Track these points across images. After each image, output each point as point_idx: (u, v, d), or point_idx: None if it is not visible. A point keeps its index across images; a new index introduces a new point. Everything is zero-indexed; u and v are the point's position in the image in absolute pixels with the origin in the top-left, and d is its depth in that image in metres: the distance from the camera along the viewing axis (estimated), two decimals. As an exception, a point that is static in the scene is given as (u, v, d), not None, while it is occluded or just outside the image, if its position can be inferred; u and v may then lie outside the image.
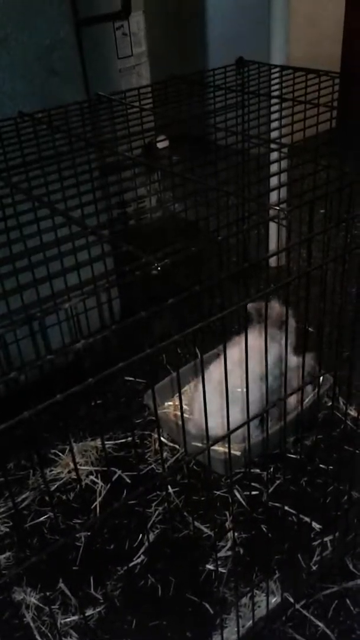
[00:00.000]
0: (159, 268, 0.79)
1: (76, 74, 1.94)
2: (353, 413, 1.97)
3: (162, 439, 1.96)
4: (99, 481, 1.85)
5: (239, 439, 1.40)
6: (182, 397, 1.11)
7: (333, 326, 1.25)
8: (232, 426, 1.08)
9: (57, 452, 1.96)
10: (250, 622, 1.43)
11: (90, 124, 1.64)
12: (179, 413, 2.00)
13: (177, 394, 2.07)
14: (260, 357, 1.06)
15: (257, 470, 1.82)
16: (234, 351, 1.28)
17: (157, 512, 1.75)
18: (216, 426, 1.11)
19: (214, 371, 1.71)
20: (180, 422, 1.06)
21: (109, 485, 1.83)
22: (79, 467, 1.89)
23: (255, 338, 1.11)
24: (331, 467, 1.72)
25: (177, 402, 2.05)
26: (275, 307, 1.86)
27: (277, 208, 0.98)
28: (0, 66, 1.74)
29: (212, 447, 1.10)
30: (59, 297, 0.92)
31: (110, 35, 2.95)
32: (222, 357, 1.06)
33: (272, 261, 2.54)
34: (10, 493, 1.81)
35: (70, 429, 1.99)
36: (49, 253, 1.20)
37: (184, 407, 2.01)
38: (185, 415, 1.85)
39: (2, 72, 1.75)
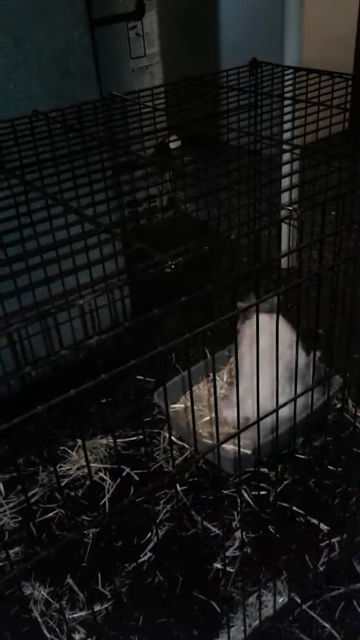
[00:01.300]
0: (172, 266, 0.79)
1: (90, 74, 1.95)
2: (362, 415, 1.98)
3: (171, 437, 1.96)
4: (107, 478, 1.86)
5: (267, 428, 1.36)
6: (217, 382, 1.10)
7: (343, 328, 1.25)
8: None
9: (66, 448, 1.97)
10: (257, 621, 1.43)
11: (103, 123, 1.66)
12: (189, 411, 2.01)
13: (187, 393, 2.08)
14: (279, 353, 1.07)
15: (266, 470, 1.83)
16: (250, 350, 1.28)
17: (165, 510, 1.76)
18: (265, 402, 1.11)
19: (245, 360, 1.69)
20: (191, 421, 1.06)
21: (117, 482, 1.84)
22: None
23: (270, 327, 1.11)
24: (340, 469, 1.72)
25: (187, 401, 2.06)
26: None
27: (290, 208, 0.99)
28: (15, 66, 1.76)
29: (222, 446, 1.10)
30: (70, 295, 0.93)
31: (124, 36, 2.96)
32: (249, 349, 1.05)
33: (283, 262, 2.54)
34: (22, 488, 1.82)
35: (80, 426, 2.00)
36: (61, 251, 1.22)
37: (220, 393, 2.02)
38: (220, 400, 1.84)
39: (17, 72, 1.77)
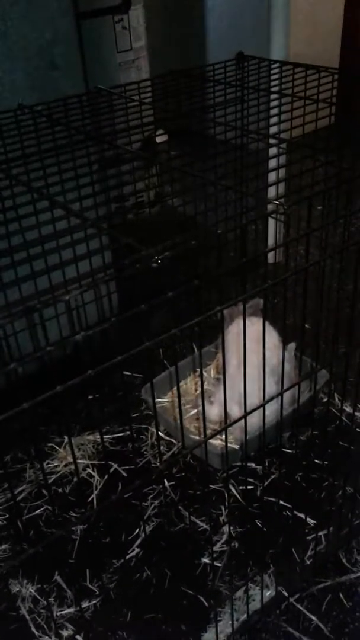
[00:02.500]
0: (159, 261, 0.79)
1: (76, 67, 1.94)
2: (348, 409, 1.99)
3: (158, 432, 1.96)
4: (95, 474, 1.86)
5: (254, 427, 1.37)
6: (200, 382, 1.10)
7: (329, 322, 1.25)
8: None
9: (53, 445, 1.96)
10: (245, 615, 1.44)
11: (89, 117, 1.64)
12: (176, 407, 2.01)
13: (174, 388, 2.08)
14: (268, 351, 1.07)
15: (253, 465, 1.83)
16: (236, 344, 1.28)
17: (152, 506, 1.76)
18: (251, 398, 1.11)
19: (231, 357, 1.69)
20: (178, 416, 1.06)
21: (105, 478, 1.84)
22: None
23: (254, 331, 1.11)
24: (326, 463, 1.73)
25: (175, 397, 2.06)
26: (259, 304, 1.87)
27: (277, 203, 0.99)
28: (0, 59, 1.74)
29: (209, 441, 1.10)
30: (57, 290, 0.92)
31: (110, 29, 2.94)
32: (237, 345, 1.06)
33: (269, 257, 2.54)
34: (9, 485, 1.81)
35: (67, 422, 1.99)
36: (47, 246, 1.21)
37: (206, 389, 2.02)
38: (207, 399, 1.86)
39: (2, 65, 1.75)
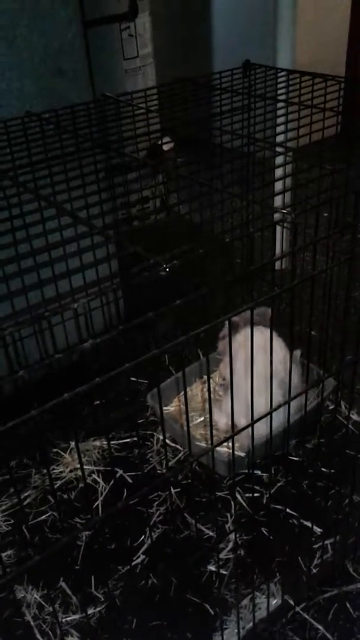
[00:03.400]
0: (167, 269, 0.79)
1: (83, 75, 1.95)
2: (355, 417, 1.98)
3: (165, 439, 1.96)
4: (100, 480, 1.85)
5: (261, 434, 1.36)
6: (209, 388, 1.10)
7: (336, 330, 1.25)
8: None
9: (59, 451, 1.96)
10: (251, 623, 1.43)
11: (96, 124, 1.65)
12: (182, 414, 2.01)
13: (180, 395, 2.08)
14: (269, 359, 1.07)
15: (259, 472, 1.83)
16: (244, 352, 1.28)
17: (158, 512, 1.75)
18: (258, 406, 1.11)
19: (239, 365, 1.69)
20: (184, 423, 1.06)
21: (110, 484, 1.83)
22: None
23: (261, 340, 1.11)
24: (333, 471, 1.72)
25: (180, 403, 2.06)
26: (267, 313, 1.87)
27: (284, 211, 0.99)
28: (9, 66, 1.75)
29: (216, 448, 1.10)
30: (64, 298, 0.92)
31: (117, 36, 2.96)
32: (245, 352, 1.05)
33: (275, 264, 2.54)
34: (16, 490, 1.81)
35: (74, 428, 2.00)
36: (54, 253, 1.21)
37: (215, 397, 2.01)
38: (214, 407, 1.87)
39: (10, 73, 1.76)
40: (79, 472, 1.89)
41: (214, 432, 1.86)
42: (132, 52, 3.06)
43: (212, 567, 1.59)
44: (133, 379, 2.20)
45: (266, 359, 1.06)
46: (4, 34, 1.72)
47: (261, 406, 1.10)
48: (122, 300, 2.12)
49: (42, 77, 1.83)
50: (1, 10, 1.70)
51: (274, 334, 1.10)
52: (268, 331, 1.09)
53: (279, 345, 1.68)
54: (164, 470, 1.86)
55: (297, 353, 1.76)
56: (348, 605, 1.49)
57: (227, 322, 0.94)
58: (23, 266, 1.27)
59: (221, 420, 1.90)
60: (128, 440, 1.99)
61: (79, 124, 1.62)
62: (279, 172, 1.90)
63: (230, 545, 1.64)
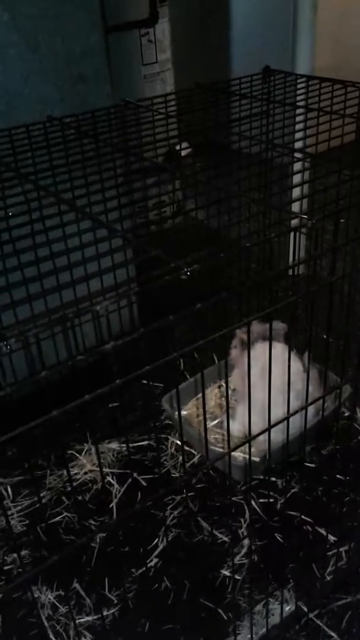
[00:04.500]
0: (188, 273, 0.80)
1: (104, 80, 1.97)
2: (370, 424, 1.97)
3: (180, 443, 1.96)
4: (115, 483, 1.86)
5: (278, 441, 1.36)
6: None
7: (354, 336, 1.25)
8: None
9: (74, 452, 1.98)
10: (264, 629, 1.43)
11: (117, 129, 1.67)
12: (196, 417, 2.01)
13: (195, 399, 2.09)
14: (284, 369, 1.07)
15: (273, 478, 1.83)
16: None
17: (172, 516, 1.76)
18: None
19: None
20: (198, 427, 1.07)
21: (125, 487, 1.84)
22: (95, 468, 1.91)
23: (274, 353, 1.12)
24: (348, 478, 1.72)
25: (195, 407, 2.07)
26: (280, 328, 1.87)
27: (304, 217, 0.99)
28: (32, 72, 1.77)
29: (231, 453, 1.10)
30: (82, 302, 0.94)
31: (136, 42, 2.98)
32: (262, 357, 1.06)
33: (290, 270, 2.54)
34: (35, 490, 1.83)
35: (92, 430, 2.01)
36: (73, 257, 1.22)
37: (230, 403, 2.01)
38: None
39: (33, 78, 1.78)
40: (94, 475, 1.90)
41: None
42: (151, 57, 3.08)
43: (225, 572, 1.59)
44: (145, 382, 2.20)
45: (279, 371, 1.06)
46: (28, 40, 1.74)
47: (276, 419, 1.10)
48: (135, 305, 2.13)
49: (64, 82, 1.86)
50: (24, 16, 1.72)
51: (285, 347, 1.11)
52: (280, 345, 1.09)
53: (292, 357, 1.68)
54: (179, 474, 1.86)
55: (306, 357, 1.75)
56: (362, 613, 1.49)
57: (236, 332, 0.95)
58: (42, 270, 1.28)
59: (233, 426, 1.89)
60: (142, 443, 2.00)
61: (100, 129, 1.64)
62: (297, 178, 1.90)
63: (244, 550, 1.64)
